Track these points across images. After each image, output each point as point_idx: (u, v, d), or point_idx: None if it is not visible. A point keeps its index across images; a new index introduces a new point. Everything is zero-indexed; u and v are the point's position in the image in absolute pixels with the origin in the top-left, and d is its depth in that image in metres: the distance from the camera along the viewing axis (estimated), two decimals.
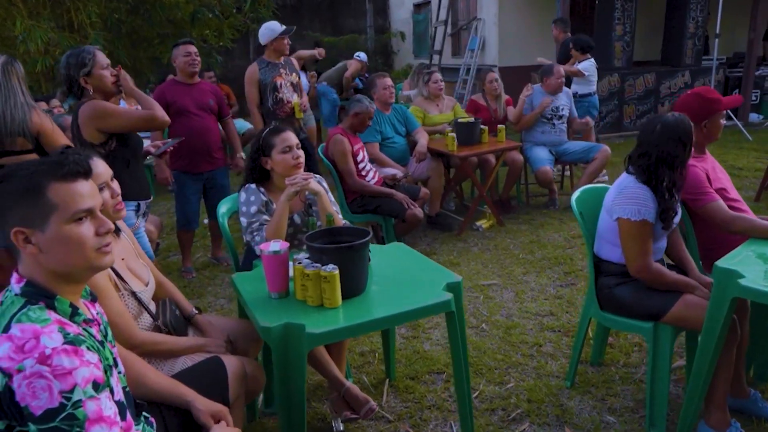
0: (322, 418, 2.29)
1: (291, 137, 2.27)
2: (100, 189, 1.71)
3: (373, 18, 12.58)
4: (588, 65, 5.77)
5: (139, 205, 2.67)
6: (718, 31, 6.95)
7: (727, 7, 6.96)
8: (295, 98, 4.08)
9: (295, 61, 4.41)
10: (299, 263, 1.74)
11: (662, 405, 2.07)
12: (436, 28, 10.23)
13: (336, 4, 12.62)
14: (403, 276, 1.93)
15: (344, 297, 1.73)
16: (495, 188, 5.07)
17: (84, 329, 1.16)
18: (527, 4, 8.41)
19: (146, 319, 1.76)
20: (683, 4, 7.71)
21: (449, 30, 10.01)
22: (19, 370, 0.99)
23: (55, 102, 4.23)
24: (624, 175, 2.14)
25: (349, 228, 1.93)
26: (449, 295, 1.75)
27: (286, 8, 9.80)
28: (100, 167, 1.73)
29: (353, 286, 1.76)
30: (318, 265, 1.69)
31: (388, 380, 2.52)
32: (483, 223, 4.45)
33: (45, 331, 1.04)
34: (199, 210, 3.84)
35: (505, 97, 5.05)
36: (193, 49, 3.63)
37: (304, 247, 2.36)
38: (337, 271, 1.67)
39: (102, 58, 2.51)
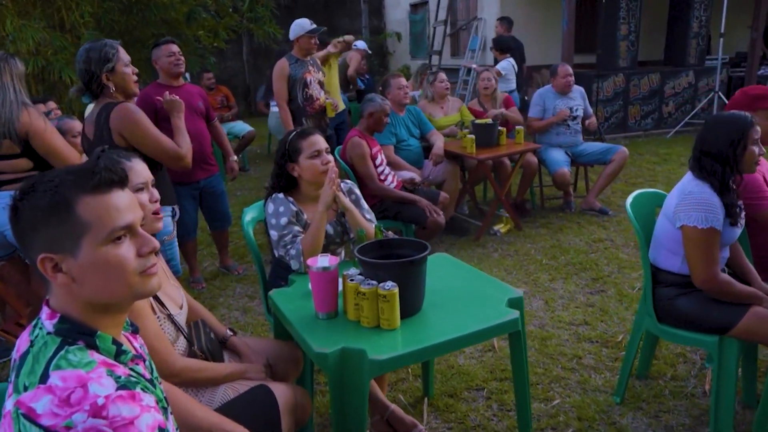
0: None
1: (319, 141, 2.09)
2: (139, 190, 1.54)
3: (369, 18, 12.42)
4: (505, 65, 6.03)
5: (174, 210, 2.47)
6: (722, 31, 6.90)
7: (729, 6, 6.92)
8: (322, 96, 3.94)
9: (318, 60, 4.27)
10: (351, 280, 1.58)
11: (728, 423, 1.95)
12: (435, 28, 10.11)
13: (331, 4, 12.44)
14: (458, 292, 1.77)
15: (401, 317, 1.57)
16: (508, 191, 4.92)
17: (131, 369, 0.99)
18: (529, 3, 8.31)
19: (182, 343, 1.59)
20: (687, 3, 7.65)
21: (449, 30, 9.88)
22: (69, 428, 0.82)
23: (52, 104, 3.99)
24: (686, 176, 2.02)
25: (402, 239, 1.77)
26: (516, 313, 1.60)
27: (280, 8, 9.57)
28: (139, 165, 1.56)
29: (411, 304, 1.60)
30: (374, 282, 1.53)
31: (426, 398, 2.37)
32: (500, 228, 4.31)
33: (92, 377, 0.87)
34: (197, 220, 3.63)
35: (502, 95, 4.88)
36: (176, 48, 3.35)
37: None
38: (396, 290, 1.51)
39: (124, 54, 2.30)
